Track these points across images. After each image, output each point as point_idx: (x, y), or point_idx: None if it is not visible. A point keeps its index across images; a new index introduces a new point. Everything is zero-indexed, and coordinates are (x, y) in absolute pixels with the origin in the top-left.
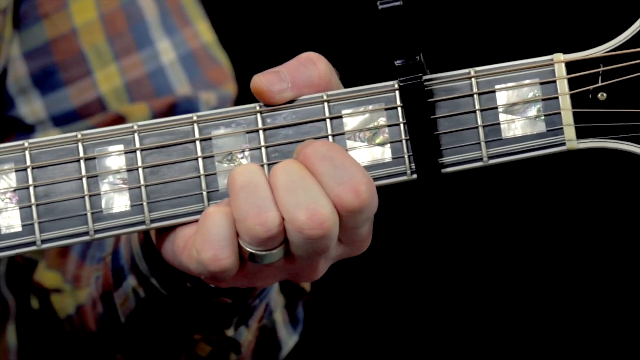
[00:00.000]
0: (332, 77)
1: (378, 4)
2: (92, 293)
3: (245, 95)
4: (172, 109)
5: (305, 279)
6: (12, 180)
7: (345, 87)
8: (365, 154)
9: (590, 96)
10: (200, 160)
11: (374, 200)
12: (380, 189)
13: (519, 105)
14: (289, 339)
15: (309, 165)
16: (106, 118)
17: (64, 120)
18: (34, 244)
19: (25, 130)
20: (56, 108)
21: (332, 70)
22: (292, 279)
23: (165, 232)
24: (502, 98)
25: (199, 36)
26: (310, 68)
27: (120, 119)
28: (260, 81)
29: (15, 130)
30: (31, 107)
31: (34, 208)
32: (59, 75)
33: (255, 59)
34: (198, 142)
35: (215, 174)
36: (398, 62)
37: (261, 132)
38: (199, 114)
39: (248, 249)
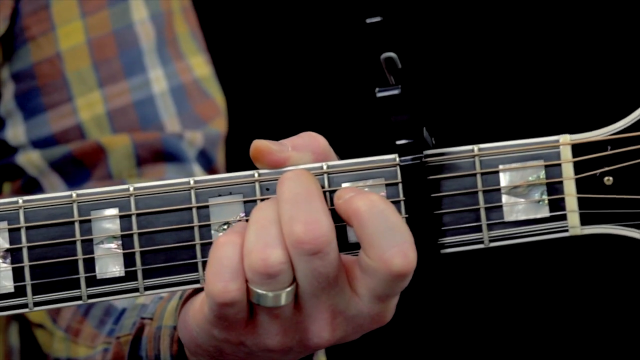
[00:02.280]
0: (331, 153)
1: (376, 90)
2: (94, 359)
3: (235, 132)
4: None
5: (316, 337)
6: (5, 239)
7: (347, 156)
8: None
9: (596, 180)
10: (196, 228)
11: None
12: None
13: (522, 188)
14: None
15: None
16: (84, 145)
17: (42, 144)
18: (25, 305)
19: (8, 152)
20: (36, 132)
21: (331, 148)
22: (303, 342)
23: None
24: (505, 179)
25: (191, 70)
26: (309, 137)
27: (99, 149)
28: (260, 142)
29: (1, 153)
30: (14, 130)
31: (26, 269)
32: (40, 99)
33: (252, 96)
34: (194, 210)
35: (210, 242)
36: (399, 142)
37: (259, 202)
38: (197, 178)
39: (252, 288)
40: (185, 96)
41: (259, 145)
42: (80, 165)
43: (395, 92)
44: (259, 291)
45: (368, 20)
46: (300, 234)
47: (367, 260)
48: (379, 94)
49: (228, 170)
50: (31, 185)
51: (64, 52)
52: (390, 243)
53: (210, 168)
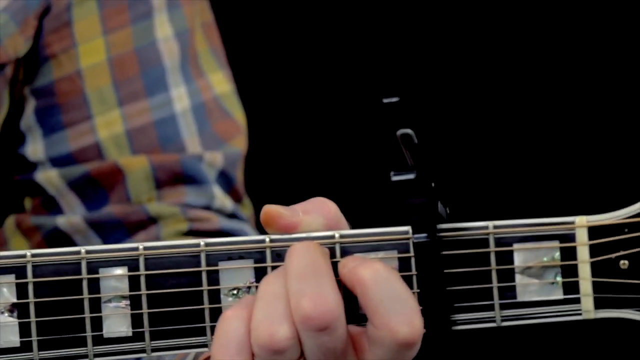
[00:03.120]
0: (341, 220)
1: (391, 174)
2: None
3: (255, 151)
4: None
5: None
6: (12, 293)
7: (359, 219)
8: None
9: (612, 263)
10: (205, 292)
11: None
12: None
13: (535, 268)
14: None
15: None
16: (102, 166)
17: (60, 162)
18: None
19: (28, 168)
20: (54, 149)
21: (341, 215)
22: None
23: None
24: (519, 258)
25: (211, 88)
26: (320, 203)
27: (117, 170)
28: (270, 207)
29: (20, 169)
30: (34, 146)
31: (33, 324)
32: (59, 116)
33: (274, 111)
34: (204, 273)
35: (219, 307)
36: (413, 219)
37: (269, 269)
38: (207, 241)
39: None
40: (205, 114)
41: (270, 211)
42: (97, 186)
43: (411, 176)
44: None
45: (385, 100)
46: (307, 310)
47: (374, 330)
48: (394, 178)
49: (247, 190)
50: (50, 204)
51: (84, 70)
52: (396, 311)
53: (230, 189)
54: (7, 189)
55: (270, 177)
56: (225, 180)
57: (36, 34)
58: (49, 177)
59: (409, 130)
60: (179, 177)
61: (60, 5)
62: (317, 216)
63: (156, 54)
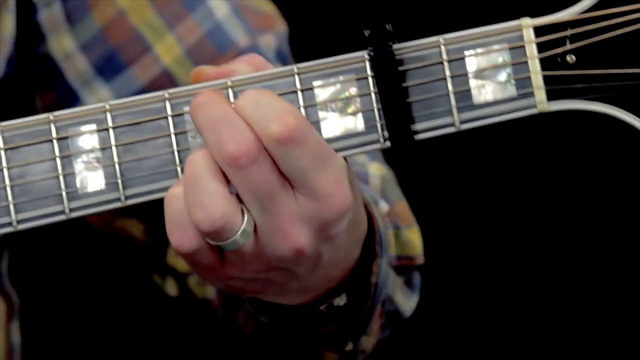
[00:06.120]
0: (268, 65)
1: None
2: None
3: (295, 32)
4: None
5: (286, 249)
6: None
7: (315, 59)
8: (338, 124)
9: (559, 59)
10: (172, 136)
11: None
12: None
13: (488, 71)
14: (411, 304)
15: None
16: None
17: None
18: (9, 224)
19: None
20: (124, 90)
21: (269, 62)
22: (279, 257)
23: None
24: (472, 64)
25: None
26: (245, 56)
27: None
28: (197, 67)
29: None
30: (97, 96)
31: (8, 189)
32: (119, 58)
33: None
34: (170, 119)
35: (188, 148)
36: (367, 32)
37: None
38: (170, 90)
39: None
40: (243, 14)
41: (195, 70)
42: None
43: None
44: (217, 243)
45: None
46: (232, 151)
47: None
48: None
49: None
50: None
51: (125, 8)
52: (266, 115)
53: (287, 64)
54: None
55: None
56: (281, 57)
57: None
58: None
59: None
60: None
61: None
62: (243, 65)
63: None
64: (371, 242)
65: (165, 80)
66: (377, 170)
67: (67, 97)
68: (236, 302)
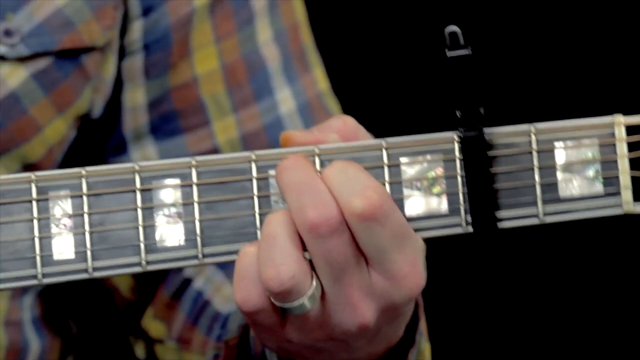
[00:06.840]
0: (360, 131)
1: (446, 51)
2: None
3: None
4: None
5: (349, 325)
6: (67, 206)
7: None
8: (421, 203)
9: None
10: (255, 198)
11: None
12: (436, 240)
13: (576, 165)
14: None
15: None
16: None
17: None
18: (85, 271)
19: None
20: (170, 154)
21: (360, 126)
22: (342, 330)
23: None
24: (561, 156)
25: (315, 84)
26: (335, 119)
27: None
28: (285, 131)
29: None
30: (142, 152)
31: (87, 235)
32: (177, 122)
33: (365, 108)
34: (255, 181)
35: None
36: (459, 112)
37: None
38: (257, 152)
39: (274, 301)
40: (311, 114)
41: (284, 134)
42: None
43: (466, 52)
44: (282, 305)
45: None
46: (313, 218)
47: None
48: (450, 54)
49: None
50: None
51: (200, 77)
52: (351, 188)
53: None
54: None
55: None
56: None
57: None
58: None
59: (456, 28)
60: None
61: (182, 13)
62: (333, 135)
63: (260, 59)
64: (411, 327)
65: None
66: None
67: (116, 147)
68: None
